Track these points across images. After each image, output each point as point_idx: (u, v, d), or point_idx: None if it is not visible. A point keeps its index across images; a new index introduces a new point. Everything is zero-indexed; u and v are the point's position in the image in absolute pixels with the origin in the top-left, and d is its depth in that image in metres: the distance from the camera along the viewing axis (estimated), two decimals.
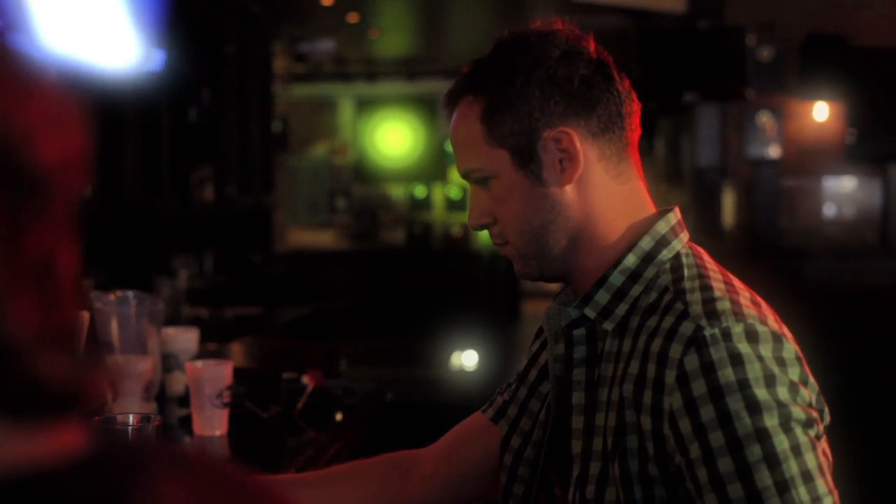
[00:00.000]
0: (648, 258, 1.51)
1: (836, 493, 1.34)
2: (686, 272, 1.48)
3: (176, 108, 6.85)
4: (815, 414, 1.37)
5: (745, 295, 1.45)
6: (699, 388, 1.34)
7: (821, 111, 8.34)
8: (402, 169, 13.90)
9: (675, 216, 1.56)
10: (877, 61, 8.15)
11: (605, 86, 1.53)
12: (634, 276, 1.51)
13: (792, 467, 1.29)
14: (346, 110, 14.11)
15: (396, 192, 14.05)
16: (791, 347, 1.39)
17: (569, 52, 1.53)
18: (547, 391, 1.66)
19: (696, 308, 1.40)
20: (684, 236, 1.55)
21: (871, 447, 4.70)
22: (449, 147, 10.32)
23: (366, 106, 14.01)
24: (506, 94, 1.53)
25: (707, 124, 8.42)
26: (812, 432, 1.34)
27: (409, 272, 10.67)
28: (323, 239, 13.50)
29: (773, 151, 8.36)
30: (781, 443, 1.30)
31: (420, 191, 13.95)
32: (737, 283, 1.48)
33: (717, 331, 1.36)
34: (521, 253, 1.59)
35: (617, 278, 1.51)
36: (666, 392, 1.37)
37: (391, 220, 13.89)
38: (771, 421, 1.31)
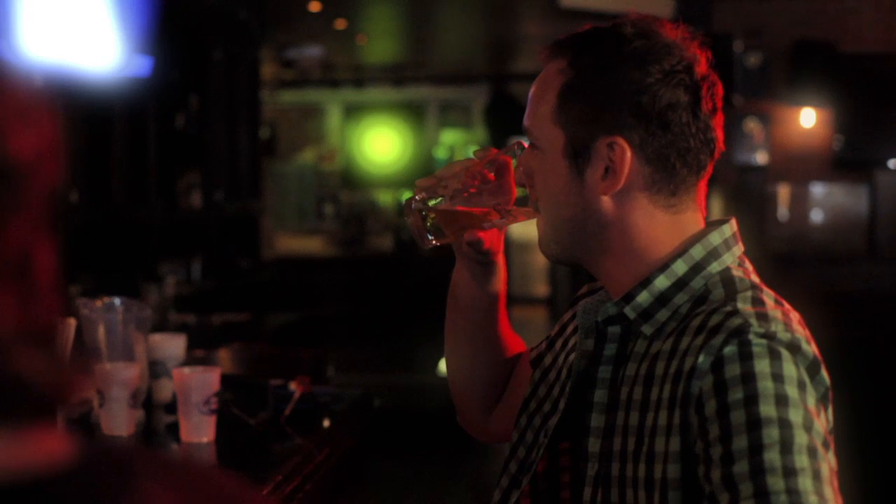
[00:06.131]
0: (697, 268, 1.48)
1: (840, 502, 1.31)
2: (738, 285, 1.45)
3: (163, 114, 6.84)
4: (829, 440, 1.35)
5: (795, 317, 1.43)
6: (732, 370, 1.32)
7: (808, 117, 8.36)
8: (390, 175, 13.91)
9: (730, 228, 1.53)
10: (864, 67, 8.17)
11: (688, 121, 1.48)
12: (681, 283, 1.48)
13: (804, 461, 1.26)
14: (333, 116, 14.11)
15: (384, 198, 14.05)
16: (825, 379, 1.38)
17: (672, 74, 1.47)
18: (568, 363, 1.63)
19: (748, 310, 1.39)
20: (737, 249, 1.52)
21: (858, 452, 4.70)
22: (436, 153, 10.30)
23: (353, 112, 14.03)
24: (591, 83, 1.49)
25: None
26: (829, 455, 1.33)
27: (396, 278, 10.66)
28: (311, 245, 13.50)
29: (761, 157, 8.38)
30: (800, 437, 1.28)
31: (407, 197, 13.95)
32: (786, 305, 1.46)
33: (763, 330, 1.35)
34: (546, 233, 1.58)
35: (662, 282, 1.49)
36: (698, 376, 1.35)
37: (379, 226, 13.88)
38: (796, 417, 1.29)
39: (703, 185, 1.54)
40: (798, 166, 8.44)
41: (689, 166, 1.50)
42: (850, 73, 8.12)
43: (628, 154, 1.47)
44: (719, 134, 1.53)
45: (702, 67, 1.50)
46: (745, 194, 8.37)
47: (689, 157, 1.49)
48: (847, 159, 8.31)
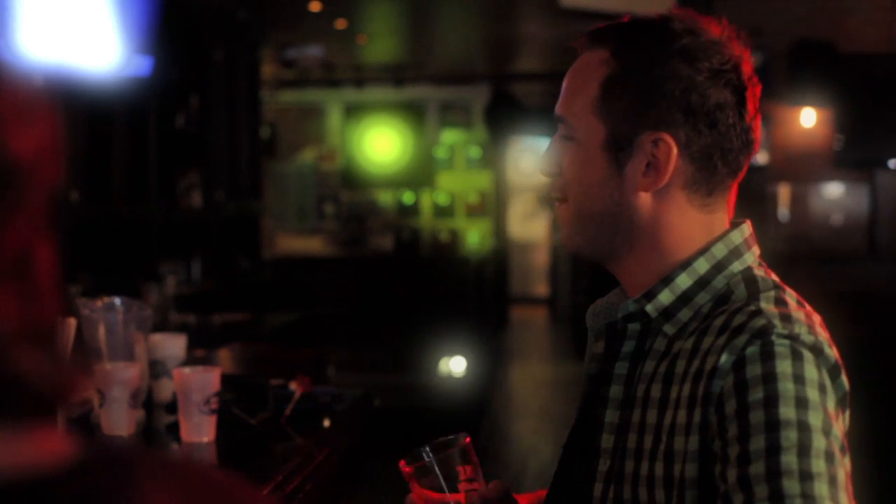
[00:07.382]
0: (719, 267, 1.48)
1: None
2: (761, 285, 1.45)
3: (164, 114, 6.84)
4: (845, 443, 1.34)
5: (817, 319, 1.42)
6: (754, 370, 1.31)
7: (808, 117, 8.36)
8: (390, 175, 13.91)
9: (748, 228, 1.54)
10: (864, 67, 8.17)
11: (734, 121, 1.48)
12: (703, 282, 1.47)
13: (821, 465, 1.26)
14: (334, 116, 14.11)
15: (384, 198, 14.05)
16: (845, 384, 1.38)
17: (720, 73, 1.47)
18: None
19: (772, 310, 1.38)
20: (756, 250, 1.52)
21: (862, 452, 4.70)
22: (437, 153, 10.28)
23: (354, 112, 14.02)
24: (638, 77, 1.47)
25: None
26: (846, 459, 1.32)
27: (397, 278, 10.67)
28: (311, 245, 13.50)
29: (761, 157, 8.38)
30: (819, 441, 1.27)
31: (408, 197, 13.96)
32: (808, 307, 1.45)
33: (787, 331, 1.34)
34: (572, 225, 1.55)
35: (684, 280, 1.48)
36: (720, 376, 1.34)
37: (379, 226, 13.89)
38: (815, 420, 1.28)
39: (735, 185, 1.54)
40: (798, 166, 8.44)
41: (729, 166, 1.50)
42: (850, 73, 8.11)
43: (674, 151, 1.46)
44: (758, 135, 1.52)
45: (747, 67, 1.50)
46: (745, 194, 8.34)
47: (731, 157, 1.49)
48: (847, 159, 8.31)
